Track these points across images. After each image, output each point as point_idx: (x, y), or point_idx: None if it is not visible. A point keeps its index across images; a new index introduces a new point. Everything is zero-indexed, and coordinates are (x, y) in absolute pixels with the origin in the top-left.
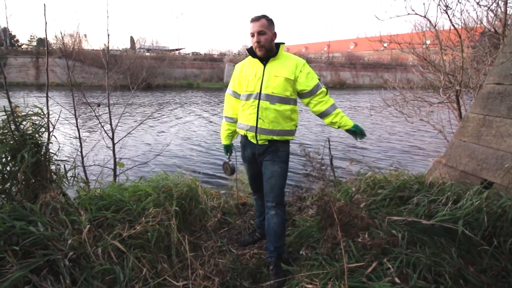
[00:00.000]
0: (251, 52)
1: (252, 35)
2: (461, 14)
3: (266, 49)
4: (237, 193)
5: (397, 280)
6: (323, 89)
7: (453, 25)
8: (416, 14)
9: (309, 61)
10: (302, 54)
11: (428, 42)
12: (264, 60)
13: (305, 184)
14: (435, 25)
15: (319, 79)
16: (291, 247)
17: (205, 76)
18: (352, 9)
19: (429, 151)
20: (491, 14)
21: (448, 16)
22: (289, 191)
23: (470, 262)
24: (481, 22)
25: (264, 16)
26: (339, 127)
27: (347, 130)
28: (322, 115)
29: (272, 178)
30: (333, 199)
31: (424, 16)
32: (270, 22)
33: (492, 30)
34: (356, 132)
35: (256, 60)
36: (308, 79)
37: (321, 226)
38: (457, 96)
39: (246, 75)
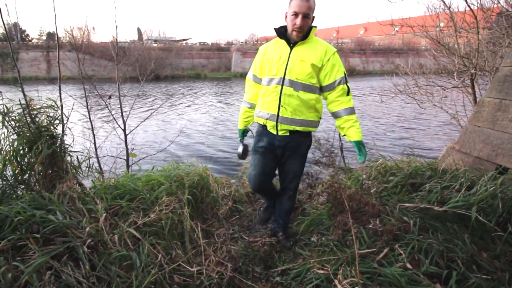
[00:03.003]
0: (279, 32)
1: (295, 15)
2: None
3: (304, 34)
4: (248, 182)
5: (408, 265)
6: (344, 86)
7: (469, 6)
8: None
9: None
10: None
11: (442, 24)
12: (292, 43)
13: (315, 171)
14: (450, 6)
15: (345, 74)
16: (302, 235)
17: (212, 66)
18: None
19: (442, 137)
20: None
21: None
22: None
23: (483, 248)
24: (498, 2)
25: None
26: (344, 135)
27: (353, 142)
28: (334, 115)
29: (295, 177)
30: (343, 186)
31: None
32: (315, 5)
33: (510, 9)
34: (360, 149)
35: (283, 42)
36: (332, 71)
37: (331, 213)
38: (472, 80)
39: (270, 57)
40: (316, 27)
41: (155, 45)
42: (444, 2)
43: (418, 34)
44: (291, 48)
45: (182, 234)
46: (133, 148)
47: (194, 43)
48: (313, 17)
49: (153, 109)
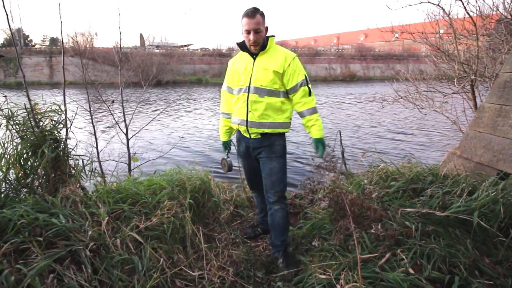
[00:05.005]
0: (241, 46)
1: (248, 32)
2: (476, 2)
3: (261, 46)
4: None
5: (411, 270)
6: (305, 87)
7: (468, 13)
8: (429, 2)
9: (318, 54)
10: (311, 47)
11: (441, 31)
12: (254, 54)
13: (316, 176)
14: (449, 14)
15: (305, 77)
16: (303, 238)
17: (214, 71)
18: None
19: (443, 143)
20: (507, 0)
21: (463, 4)
22: (300, 184)
23: (485, 253)
24: (497, 9)
25: (258, 11)
26: (308, 133)
27: (313, 139)
28: (300, 115)
29: (272, 175)
30: (345, 191)
31: (438, 5)
32: (263, 16)
33: (509, 17)
34: (318, 146)
35: (247, 54)
36: (294, 75)
37: (333, 218)
38: (472, 86)
39: (237, 69)
40: (274, 36)
41: (157, 51)
42: (444, 9)
43: (418, 41)
44: (254, 59)
45: (183, 238)
46: (135, 153)
47: (195, 49)
48: (266, 28)
49: (154, 114)
